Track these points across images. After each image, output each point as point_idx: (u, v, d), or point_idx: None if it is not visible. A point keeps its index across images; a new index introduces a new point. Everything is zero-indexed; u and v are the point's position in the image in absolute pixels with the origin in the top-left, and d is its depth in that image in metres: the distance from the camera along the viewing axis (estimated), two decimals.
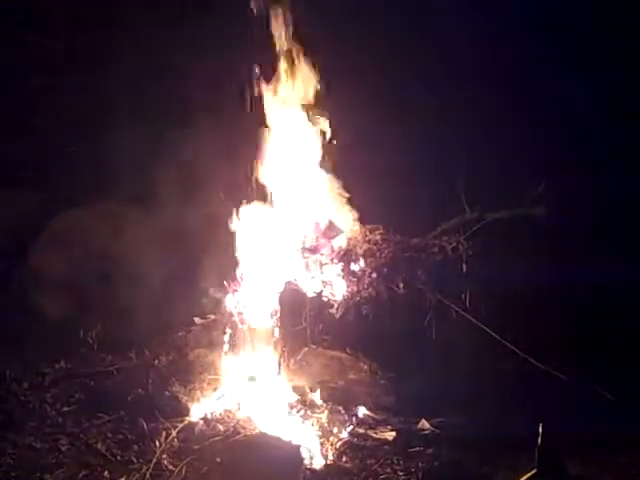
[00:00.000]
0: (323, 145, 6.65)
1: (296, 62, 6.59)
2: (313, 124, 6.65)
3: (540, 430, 4.14)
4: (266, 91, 6.56)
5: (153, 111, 7.49)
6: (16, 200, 7.52)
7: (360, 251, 6.49)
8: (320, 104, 6.65)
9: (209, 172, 7.02)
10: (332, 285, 6.36)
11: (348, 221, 6.66)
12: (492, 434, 5.64)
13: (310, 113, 6.64)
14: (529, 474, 4.12)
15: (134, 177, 7.26)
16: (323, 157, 6.66)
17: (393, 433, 5.78)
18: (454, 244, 6.52)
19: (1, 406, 6.02)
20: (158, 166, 7.11)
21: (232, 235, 6.41)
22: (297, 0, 6.50)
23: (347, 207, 6.67)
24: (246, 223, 6.42)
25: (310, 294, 6.29)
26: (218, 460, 5.43)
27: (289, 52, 6.57)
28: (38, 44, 7.99)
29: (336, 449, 5.64)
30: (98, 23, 7.93)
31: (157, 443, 5.58)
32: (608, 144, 7.25)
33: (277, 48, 6.57)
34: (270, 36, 6.53)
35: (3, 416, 5.92)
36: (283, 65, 6.59)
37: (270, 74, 6.57)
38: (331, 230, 6.62)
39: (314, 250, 6.49)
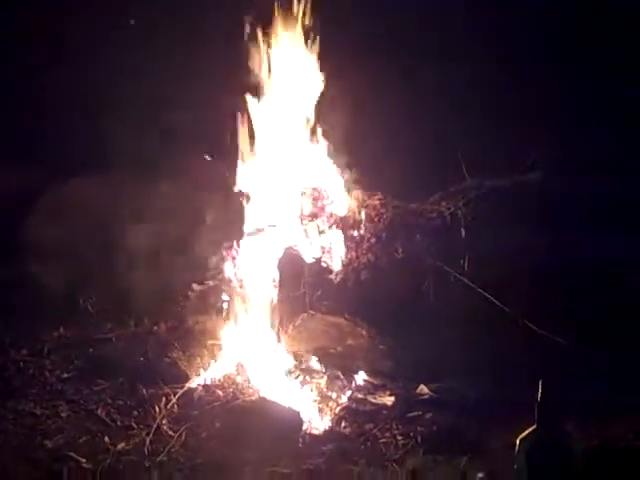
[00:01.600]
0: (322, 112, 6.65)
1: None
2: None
3: (540, 387, 4.16)
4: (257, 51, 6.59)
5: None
6: (14, 170, 7.49)
7: (359, 217, 6.49)
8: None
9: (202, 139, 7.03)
10: (331, 251, 6.37)
11: (347, 187, 6.65)
12: (490, 399, 5.68)
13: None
14: (529, 430, 4.16)
15: (131, 148, 7.23)
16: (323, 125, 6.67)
17: (392, 398, 5.79)
18: (452, 209, 6.53)
19: (1, 373, 6.03)
20: (156, 136, 7.12)
21: (230, 201, 6.42)
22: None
23: (346, 173, 6.66)
24: (244, 189, 6.43)
25: (309, 260, 6.29)
26: (217, 425, 5.47)
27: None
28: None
29: (335, 414, 5.66)
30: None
31: (157, 409, 5.61)
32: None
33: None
34: None
35: (3, 383, 5.94)
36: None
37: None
38: (329, 196, 6.61)
39: (313, 216, 6.48)
